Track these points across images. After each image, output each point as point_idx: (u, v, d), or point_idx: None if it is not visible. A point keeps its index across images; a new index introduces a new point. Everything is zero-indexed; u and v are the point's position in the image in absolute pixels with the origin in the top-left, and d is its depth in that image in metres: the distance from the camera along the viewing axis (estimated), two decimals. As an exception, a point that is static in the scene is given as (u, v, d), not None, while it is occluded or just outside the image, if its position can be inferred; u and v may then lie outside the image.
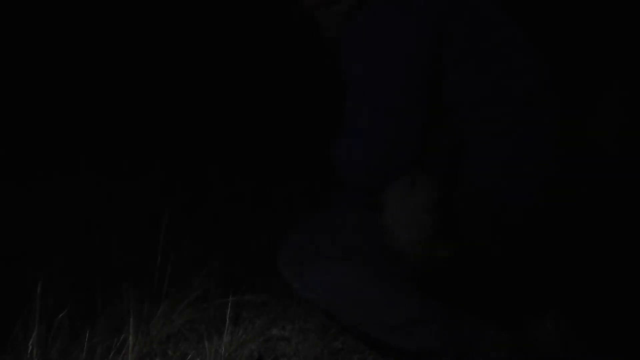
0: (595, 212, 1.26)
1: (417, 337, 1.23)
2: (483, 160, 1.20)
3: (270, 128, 3.96)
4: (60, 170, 3.08)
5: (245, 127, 3.97)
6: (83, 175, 3.06)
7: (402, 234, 1.20)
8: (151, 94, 4.28)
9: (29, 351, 1.58)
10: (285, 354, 1.83)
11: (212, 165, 3.22)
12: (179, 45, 4.78)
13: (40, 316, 1.68)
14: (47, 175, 2.98)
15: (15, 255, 2.12)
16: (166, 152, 3.43)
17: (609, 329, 1.24)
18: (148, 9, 4.57)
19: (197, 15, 4.57)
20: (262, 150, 3.76)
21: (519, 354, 1.19)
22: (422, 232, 1.18)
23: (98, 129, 3.75)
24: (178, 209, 2.72)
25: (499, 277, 1.24)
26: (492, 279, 1.24)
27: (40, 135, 3.52)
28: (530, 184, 1.18)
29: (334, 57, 1.47)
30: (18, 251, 2.15)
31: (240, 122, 4.03)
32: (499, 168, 1.20)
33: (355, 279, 1.30)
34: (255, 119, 4.05)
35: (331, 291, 1.33)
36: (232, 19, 4.17)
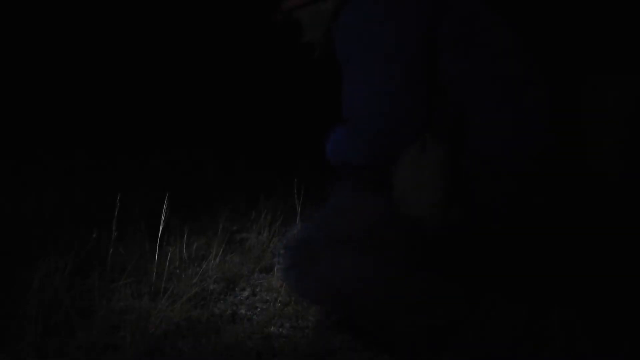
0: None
1: (428, 316, 1.24)
2: (480, 131, 1.23)
3: (261, 123, 3.96)
4: (57, 166, 3.07)
5: (238, 122, 3.97)
6: (80, 170, 3.05)
7: (415, 198, 1.20)
8: (149, 92, 4.27)
9: (25, 348, 1.57)
10: (284, 352, 1.82)
11: (209, 162, 3.22)
12: (168, 51, 4.77)
13: (37, 313, 1.68)
14: (44, 172, 2.97)
15: (11, 251, 2.11)
16: (165, 147, 3.43)
17: (613, 325, 1.25)
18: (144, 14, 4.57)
19: (188, 17, 4.56)
20: (259, 146, 3.76)
21: (529, 338, 1.20)
22: (435, 194, 1.19)
23: (97, 126, 3.74)
24: (176, 206, 2.71)
25: (505, 244, 1.25)
26: (499, 246, 1.25)
27: (40, 135, 3.51)
28: (523, 154, 1.21)
29: (323, 53, 1.48)
30: (14, 247, 2.14)
31: (233, 117, 4.03)
32: (494, 138, 1.23)
33: (360, 267, 1.31)
34: (245, 115, 4.05)
35: (337, 282, 1.34)
36: (219, 22, 4.19)
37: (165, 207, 1.99)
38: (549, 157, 1.20)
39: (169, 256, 2.08)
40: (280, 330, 1.94)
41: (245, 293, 2.18)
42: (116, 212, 1.92)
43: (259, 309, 2.06)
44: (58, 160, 3.15)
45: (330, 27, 1.40)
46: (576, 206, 1.27)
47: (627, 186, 1.30)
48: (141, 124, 3.68)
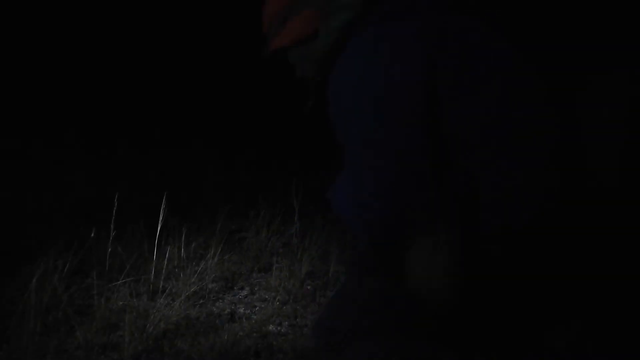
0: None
1: None
2: (492, 194, 1.17)
3: (260, 122, 3.96)
4: (55, 166, 3.07)
5: (237, 121, 3.97)
6: (79, 170, 3.05)
7: (429, 283, 1.18)
8: (148, 91, 4.27)
9: (24, 347, 1.57)
10: (282, 350, 1.82)
11: (208, 161, 3.22)
12: (168, 50, 4.78)
13: (35, 312, 1.68)
14: (43, 171, 2.98)
15: (10, 251, 2.11)
16: (163, 147, 3.43)
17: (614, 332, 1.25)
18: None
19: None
20: (258, 146, 3.76)
21: None
22: (449, 277, 1.17)
23: (96, 126, 3.74)
24: (174, 205, 2.71)
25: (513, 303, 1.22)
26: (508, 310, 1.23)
27: (38, 134, 3.51)
28: (534, 197, 1.17)
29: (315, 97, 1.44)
30: (13, 246, 2.14)
31: (232, 116, 4.03)
32: (506, 199, 1.17)
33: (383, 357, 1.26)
34: (244, 115, 4.05)
35: None
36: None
37: (163, 206, 2.00)
38: (561, 204, 1.17)
39: (167, 255, 2.09)
40: (279, 328, 1.94)
41: (244, 292, 2.19)
42: (114, 212, 1.92)
43: (257, 308, 2.06)
44: (56, 156, 3.15)
45: (325, 65, 1.33)
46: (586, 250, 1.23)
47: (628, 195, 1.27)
48: (140, 123, 3.69)
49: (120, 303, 1.87)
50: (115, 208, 1.93)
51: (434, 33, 1.17)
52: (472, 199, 1.17)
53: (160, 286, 1.96)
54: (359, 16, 1.24)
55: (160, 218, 1.99)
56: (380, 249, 1.25)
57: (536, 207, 1.16)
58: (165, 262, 2.09)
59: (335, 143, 1.29)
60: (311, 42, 1.34)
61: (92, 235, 2.10)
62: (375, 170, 1.15)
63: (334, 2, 1.26)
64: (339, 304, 1.36)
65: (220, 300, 2.05)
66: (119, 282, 1.97)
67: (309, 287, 2.23)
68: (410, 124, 1.14)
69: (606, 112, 1.32)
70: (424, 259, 1.17)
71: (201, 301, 2.00)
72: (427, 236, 1.16)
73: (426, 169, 1.15)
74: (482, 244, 1.17)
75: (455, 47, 1.17)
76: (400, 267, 1.20)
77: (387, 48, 1.16)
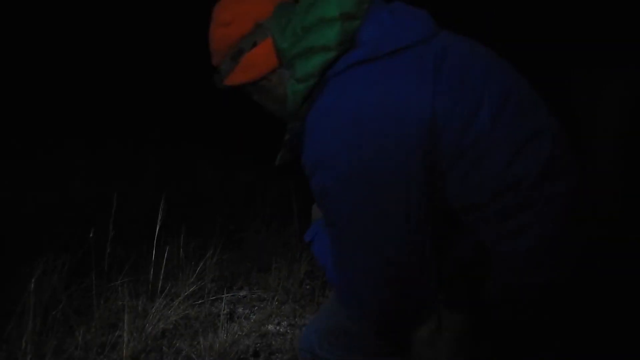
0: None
1: None
2: (501, 253, 1.03)
3: (259, 122, 3.96)
4: (54, 166, 3.07)
5: (237, 120, 3.97)
6: (78, 170, 3.05)
7: None
8: (147, 91, 4.27)
9: (23, 347, 1.57)
10: (281, 350, 1.83)
11: (206, 161, 3.22)
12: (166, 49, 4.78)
13: (35, 312, 1.68)
14: (42, 171, 2.98)
15: (9, 250, 2.11)
16: (162, 147, 3.43)
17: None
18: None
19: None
20: (257, 145, 3.76)
21: None
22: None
23: (95, 125, 3.74)
24: (173, 205, 2.71)
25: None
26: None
27: (37, 134, 3.51)
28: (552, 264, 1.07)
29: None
30: (12, 246, 2.14)
31: (232, 115, 4.03)
32: (516, 259, 1.04)
33: None
34: (244, 114, 4.06)
35: None
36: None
37: (162, 206, 2.00)
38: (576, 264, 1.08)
39: (166, 255, 2.09)
40: (278, 328, 1.94)
41: (243, 292, 2.19)
42: (113, 212, 1.92)
43: (256, 308, 2.06)
44: (55, 156, 3.15)
45: (300, 110, 1.11)
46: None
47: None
48: (139, 123, 3.69)
49: (120, 303, 1.87)
50: (114, 208, 1.93)
51: (429, 70, 1.01)
52: (478, 264, 1.05)
53: (159, 286, 1.96)
54: (336, 58, 1.04)
55: (159, 218, 1.99)
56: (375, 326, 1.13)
57: (546, 272, 1.05)
58: (164, 262, 2.08)
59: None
60: (274, 82, 1.14)
61: (91, 235, 2.10)
62: (366, 254, 0.99)
63: (301, 43, 1.06)
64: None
65: (219, 300, 2.05)
66: (118, 282, 1.97)
67: (307, 287, 2.23)
68: (408, 180, 0.97)
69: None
70: (428, 345, 1.09)
71: (200, 301, 2.00)
72: (429, 327, 1.06)
73: (426, 242, 1.00)
74: (491, 312, 1.08)
75: (454, 120, 1.00)
76: (401, 345, 1.12)
77: (378, 91, 0.99)
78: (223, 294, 2.08)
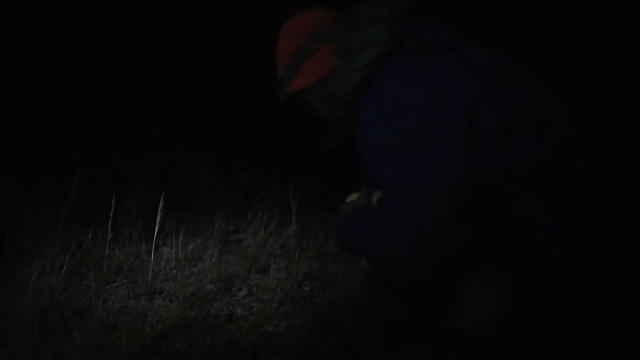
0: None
1: None
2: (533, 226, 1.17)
3: (258, 123, 3.97)
4: (51, 166, 3.07)
5: (236, 120, 3.97)
6: (75, 171, 3.04)
7: (476, 315, 1.17)
8: (145, 91, 4.26)
9: (21, 349, 1.57)
10: (280, 351, 1.82)
11: (205, 162, 3.22)
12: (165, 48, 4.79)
13: (32, 314, 1.68)
14: (39, 172, 2.97)
15: (7, 252, 2.11)
16: (160, 148, 3.43)
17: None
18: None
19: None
20: (255, 145, 3.76)
21: None
22: (498, 312, 1.17)
23: (92, 125, 3.74)
24: (172, 205, 2.71)
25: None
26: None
27: (34, 134, 3.50)
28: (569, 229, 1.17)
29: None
30: (9, 247, 2.13)
31: (231, 114, 4.03)
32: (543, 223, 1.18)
33: None
34: (243, 113, 4.06)
35: None
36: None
37: (160, 207, 1.99)
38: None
39: (164, 256, 2.08)
40: (277, 329, 1.94)
41: (242, 293, 2.19)
42: (111, 213, 1.92)
43: (255, 309, 2.06)
44: (52, 156, 3.14)
45: (351, 102, 1.28)
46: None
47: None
48: (136, 123, 3.68)
49: (118, 304, 1.86)
50: (112, 209, 1.93)
51: (473, 67, 1.20)
52: (514, 233, 1.17)
53: (158, 287, 1.95)
54: (388, 52, 1.23)
55: (158, 219, 1.99)
56: (414, 284, 1.23)
57: (573, 238, 1.15)
58: (163, 264, 2.08)
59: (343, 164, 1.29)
60: (333, 79, 1.31)
61: (89, 236, 2.10)
62: (414, 212, 1.14)
63: (358, 39, 1.25)
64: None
65: (218, 302, 2.04)
66: (116, 284, 1.97)
67: (306, 288, 2.23)
68: (452, 160, 1.13)
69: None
70: (473, 298, 1.17)
71: (199, 302, 2.00)
72: (473, 277, 1.15)
73: (467, 208, 1.13)
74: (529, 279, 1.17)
75: (495, 103, 1.18)
76: (439, 301, 1.21)
77: (430, 83, 1.17)
78: (222, 296, 2.08)
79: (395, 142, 1.17)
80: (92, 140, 3.54)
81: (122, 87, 4.33)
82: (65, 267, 1.90)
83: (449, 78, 1.19)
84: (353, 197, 1.62)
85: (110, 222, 1.92)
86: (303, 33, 1.36)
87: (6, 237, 2.17)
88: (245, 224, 2.71)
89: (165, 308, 1.87)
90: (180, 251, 2.26)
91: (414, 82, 1.19)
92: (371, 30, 1.24)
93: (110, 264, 2.05)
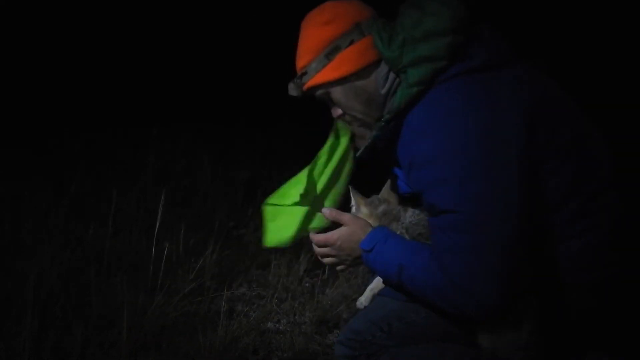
0: None
1: None
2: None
3: (257, 120, 3.96)
4: (53, 161, 3.06)
5: (235, 119, 3.97)
6: (77, 166, 3.04)
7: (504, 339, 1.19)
8: (146, 88, 4.26)
9: (22, 344, 1.57)
10: (280, 348, 1.82)
11: (206, 157, 3.21)
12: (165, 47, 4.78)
13: (33, 309, 1.67)
14: (40, 167, 2.96)
15: (8, 247, 2.10)
16: (161, 143, 3.42)
17: None
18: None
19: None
20: (256, 141, 3.75)
21: None
22: (527, 337, 1.18)
23: (93, 121, 3.73)
24: (173, 201, 2.70)
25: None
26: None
27: (35, 130, 3.50)
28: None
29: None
30: (10, 243, 2.13)
31: (230, 114, 4.03)
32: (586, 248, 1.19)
33: None
34: (242, 112, 4.05)
35: None
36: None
37: (161, 202, 1.99)
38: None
39: (165, 252, 2.08)
40: (277, 326, 1.94)
41: (242, 289, 2.19)
42: (112, 208, 1.92)
43: (255, 305, 2.06)
44: (53, 152, 3.14)
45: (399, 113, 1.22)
46: None
47: None
48: (137, 119, 3.67)
49: (118, 300, 1.86)
50: (113, 204, 1.93)
51: (530, 84, 1.18)
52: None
53: (159, 283, 1.95)
54: (443, 68, 1.18)
55: (159, 214, 1.98)
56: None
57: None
58: (164, 259, 2.08)
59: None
60: (369, 75, 1.23)
61: (90, 231, 2.10)
62: (496, 242, 1.09)
63: (414, 53, 1.19)
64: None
65: (219, 297, 2.04)
66: (116, 279, 1.96)
67: (307, 284, 2.23)
68: (520, 184, 1.10)
69: None
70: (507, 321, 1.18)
71: (199, 298, 1.99)
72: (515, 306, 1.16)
73: (527, 235, 1.11)
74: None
75: (548, 112, 1.17)
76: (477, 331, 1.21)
77: (489, 102, 1.14)
78: (222, 291, 2.08)
79: (462, 169, 1.13)
80: (92, 135, 3.53)
81: (124, 83, 4.32)
82: (65, 262, 1.89)
83: (508, 98, 1.17)
84: (316, 222, 1.44)
85: (110, 217, 1.91)
86: (345, 20, 1.25)
87: (6, 232, 2.16)
88: (246, 220, 2.70)
89: (166, 304, 1.86)
90: (180, 247, 2.26)
91: (474, 101, 1.16)
92: (427, 45, 1.19)
93: (110, 260, 2.04)
